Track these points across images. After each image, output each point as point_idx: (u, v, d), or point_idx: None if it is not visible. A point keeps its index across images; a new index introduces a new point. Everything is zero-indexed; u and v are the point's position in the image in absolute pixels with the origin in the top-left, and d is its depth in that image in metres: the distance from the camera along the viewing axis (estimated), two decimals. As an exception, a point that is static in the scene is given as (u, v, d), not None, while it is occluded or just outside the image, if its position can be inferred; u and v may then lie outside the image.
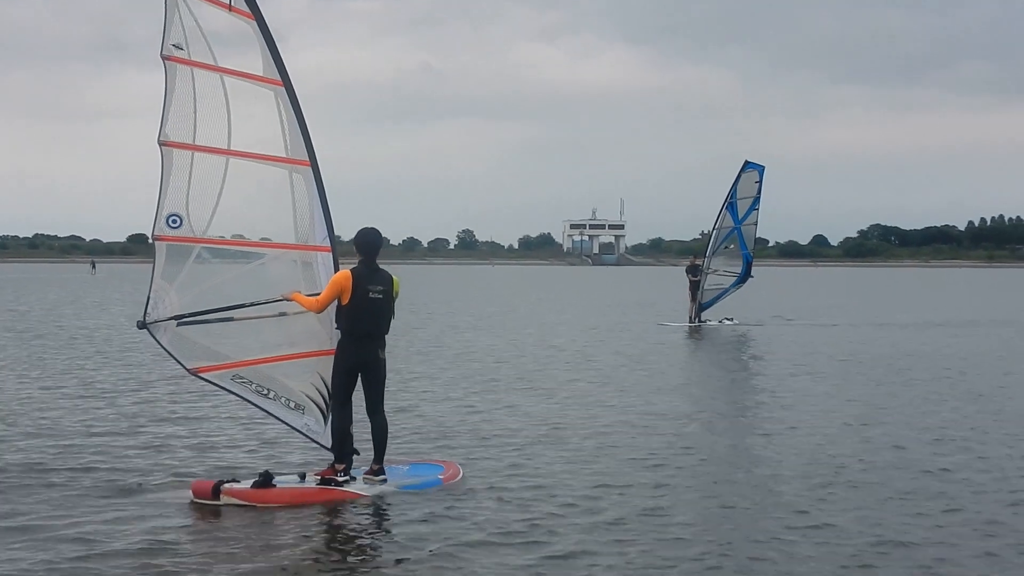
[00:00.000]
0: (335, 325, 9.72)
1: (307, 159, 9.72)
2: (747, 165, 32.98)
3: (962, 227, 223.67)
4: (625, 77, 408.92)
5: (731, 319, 33.16)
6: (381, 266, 9.85)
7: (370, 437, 9.87)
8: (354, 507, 9.27)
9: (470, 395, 16.09)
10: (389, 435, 10.05)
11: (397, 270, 11.08)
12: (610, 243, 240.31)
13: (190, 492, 9.40)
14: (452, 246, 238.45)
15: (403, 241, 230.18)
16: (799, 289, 69.64)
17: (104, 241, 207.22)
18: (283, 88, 9.64)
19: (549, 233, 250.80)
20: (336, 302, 9.60)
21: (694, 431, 13.17)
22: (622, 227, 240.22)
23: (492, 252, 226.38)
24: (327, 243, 9.84)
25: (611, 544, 8.15)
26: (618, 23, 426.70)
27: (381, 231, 10.04)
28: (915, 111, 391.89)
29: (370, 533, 8.64)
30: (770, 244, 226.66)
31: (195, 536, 8.36)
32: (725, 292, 33.51)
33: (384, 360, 9.80)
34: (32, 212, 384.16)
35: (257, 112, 9.60)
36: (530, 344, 25.91)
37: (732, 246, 33.43)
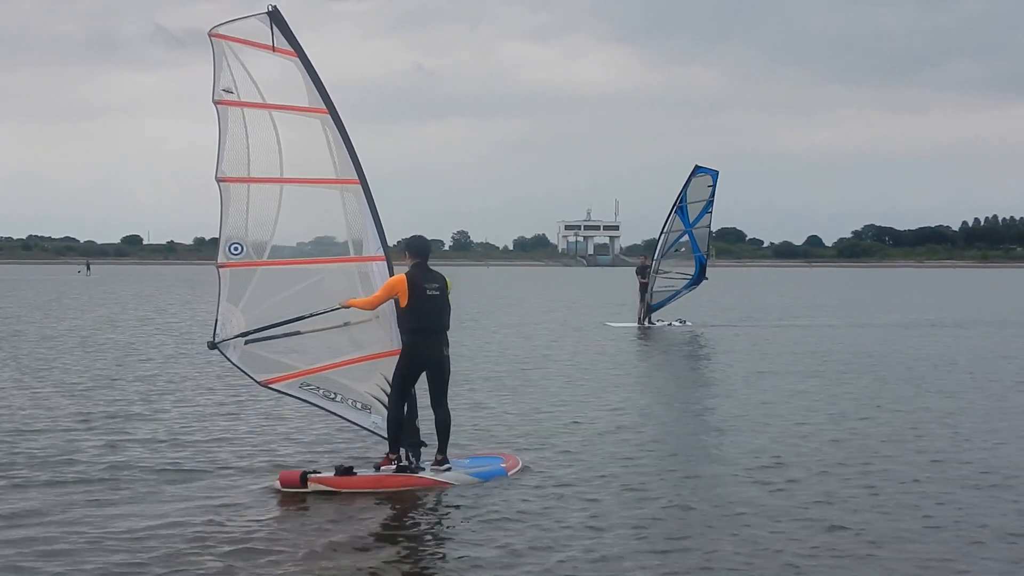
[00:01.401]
0: (398, 328, 10.33)
1: (356, 178, 10.40)
2: (698, 169, 33.50)
3: (956, 227, 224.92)
4: (619, 76, 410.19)
5: (683, 320, 33.50)
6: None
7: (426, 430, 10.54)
8: (427, 493, 10.10)
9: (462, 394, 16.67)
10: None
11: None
12: (605, 244, 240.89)
13: (277, 482, 10.11)
14: (447, 247, 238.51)
15: (397, 243, 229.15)
16: (786, 289, 69.20)
17: (98, 243, 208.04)
18: (328, 115, 10.28)
19: (544, 234, 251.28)
20: (394, 305, 10.23)
21: (653, 430, 13.78)
22: (617, 228, 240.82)
23: (487, 253, 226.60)
24: (381, 252, 10.51)
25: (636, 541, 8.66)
26: (611, 22, 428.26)
27: None
28: (909, 110, 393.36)
29: (441, 517, 9.48)
30: (764, 245, 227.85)
31: (282, 520, 9.22)
32: (677, 294, 33.83)
33: (448, 356, 10.42)
34: (26, 213, 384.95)
35: (306, 141, 10.27)
36: (511, 344, 26.63)
37: (684, 249, 33.69)
